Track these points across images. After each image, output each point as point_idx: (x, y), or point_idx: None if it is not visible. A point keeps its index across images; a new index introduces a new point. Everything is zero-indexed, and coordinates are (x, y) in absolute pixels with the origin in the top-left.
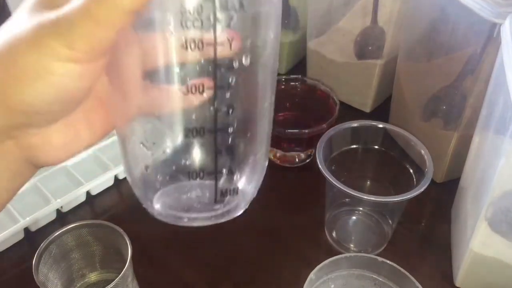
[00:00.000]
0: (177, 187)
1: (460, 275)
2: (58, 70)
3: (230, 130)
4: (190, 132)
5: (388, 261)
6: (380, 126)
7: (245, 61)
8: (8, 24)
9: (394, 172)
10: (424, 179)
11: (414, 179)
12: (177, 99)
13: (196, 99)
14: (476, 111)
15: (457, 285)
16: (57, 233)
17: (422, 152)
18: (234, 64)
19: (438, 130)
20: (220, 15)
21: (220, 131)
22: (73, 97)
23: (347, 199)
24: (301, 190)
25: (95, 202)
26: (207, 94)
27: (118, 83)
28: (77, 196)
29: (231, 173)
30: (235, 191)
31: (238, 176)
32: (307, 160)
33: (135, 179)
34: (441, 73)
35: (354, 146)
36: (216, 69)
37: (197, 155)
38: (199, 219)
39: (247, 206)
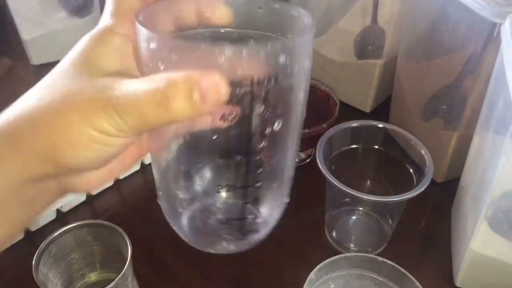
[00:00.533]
0: (207, 228)
1: (460, 275)
2: (106, 143)
3: (258, 184)
4: (223, 188)
5: (388, 261)
6: (380, 126)
7: (277, 127)
8: (52, 80)
9: (394, 172)
10: (424, 179)
11: (414, 179)
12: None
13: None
14: (476, 111)
15: (457, 285)
16: (57, 233)
17: (422, 152)
18: (266, 131)
19: (438, 130)
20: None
21: (250, 187)
22: (116, 156)
23: (347, 199)
24: (301, 190)
25: (95, 202)
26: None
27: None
28: (77, 196)
29: (255, 217)
30: (257, 230)
31: (262, 218)
32: (307, 160)
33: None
34: (441, 73)
35: (354, 146)
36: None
37: (226, 206)
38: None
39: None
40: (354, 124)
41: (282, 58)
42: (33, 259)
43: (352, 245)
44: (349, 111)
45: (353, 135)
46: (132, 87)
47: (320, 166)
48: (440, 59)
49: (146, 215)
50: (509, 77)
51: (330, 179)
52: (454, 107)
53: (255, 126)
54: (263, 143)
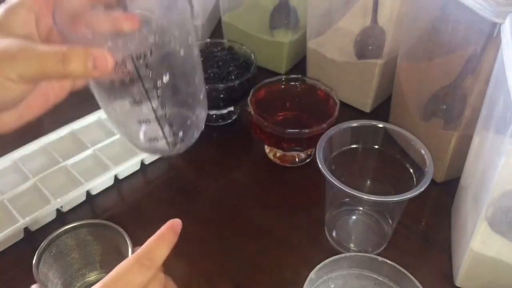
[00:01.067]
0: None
1: (460, 274)
2: (11, 88)
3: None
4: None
5: (388, 261)
6: (380, 125)
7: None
8: None
9: (394, 172)
10: (424, 178)
11: (414, 179)
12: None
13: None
14: (476, 111)
15: (457, 284)
16: (57, 233)
17: (422, 151)
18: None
19: (438, 130)
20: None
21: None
22: (20, 100)
23: (347, 199)
24: (301, 190)
25: (95, 201)
26: None
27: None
28: (77, 195)
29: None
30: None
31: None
32: (307, 160)
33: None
34: (441, 72)
35: (354, 146)
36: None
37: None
38: None
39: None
40: (354, 124)
41: (151, 38)
42: (33, 259)
43: (352, 245)
44: (349, 111)
45: (353, 135)
46: (41, 46)
47: (320, 166)
48: (440, 59)
49: (146, 215)
50: (509, 76)
51: (330, 179)
52: (454, 107)
53: (147, 84)
54: (159, 86)
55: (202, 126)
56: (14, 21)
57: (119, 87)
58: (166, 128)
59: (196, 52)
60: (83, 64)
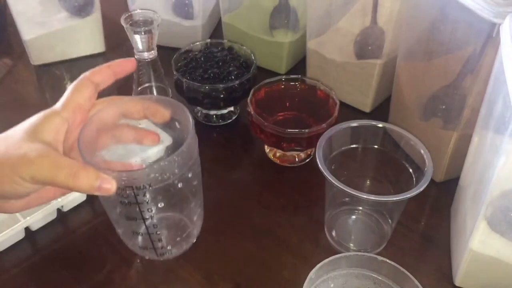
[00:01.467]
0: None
1: (460, 274)
2: (23, 185)
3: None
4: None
5: (387, 260)
6: (380, 125)
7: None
8: (6, 135)
9: (394, 172)
10: (423, 178)
11: (414, 179)
12: None
13: None
14: (476, 111)
15: (456, 284)
16: None
17: (422, 151)
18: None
19: (438, 130)
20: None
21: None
22: (30, 194)
23: (346, 199)
24: (301, 189)
25: (96, 201)
26: None
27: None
28: (78, 195)
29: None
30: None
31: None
32: (307, 160)
33: None
34: (441, 72)
35: (354, 146)
36: None
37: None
38: None
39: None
40: (354, 123)
41: (152, 175)
42: (33, 259)
43: (351, 245)
44: (349, 111)
45: (353, 134)
46: (59, 157)
47: (320, 165)
48: (439, 59)
49: None
50: (508, 76)
51: (329, 178)
52: (453, 106)
53: (143, 207)
54: (153, 211)
55: (195, 235)
56: (47, 128)
57: (118, 203)
58: (157, 243)
59: (196, 181)
60: (90, 184)
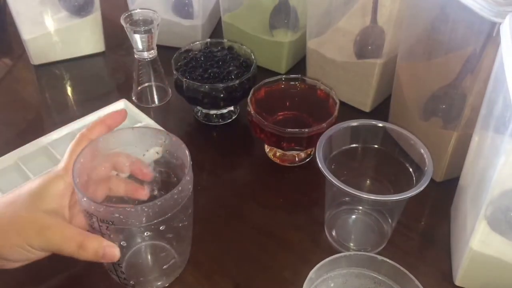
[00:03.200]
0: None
1: (460, 273)
2: (30, 252)
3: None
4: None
5: (387, 260)
6: (380, 125)
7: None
8: (13, 199)
9: (394, 171)
10: (423, 178)
11: (414, 178)
12: None
13: None
14: (476, 110)
15: (456, 283)
16: None
17: (422, 151)
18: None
19: (438, 129)
20: None
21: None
22: (34, 260)
23: (346, 198)
24: (301, 189)
25: None
26: None
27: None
28: None
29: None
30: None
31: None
32: (307, 159)
33: None
34: (441, 72)
35: (354, 145)
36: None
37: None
38: None
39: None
40: (354, 123)
41: (142, 216)
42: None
43: (351, 244)
44: (349, 111)
45: (353, 134)
46: (66, 229)
47: (319, 165)
48: (439, 58)
49: None
50: (509, 76)
51: (330, 178)
52: (453, 106)
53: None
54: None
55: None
56: (52, 193)
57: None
58: (119, 273)
59: (187, 223)
60: (95, 253)
